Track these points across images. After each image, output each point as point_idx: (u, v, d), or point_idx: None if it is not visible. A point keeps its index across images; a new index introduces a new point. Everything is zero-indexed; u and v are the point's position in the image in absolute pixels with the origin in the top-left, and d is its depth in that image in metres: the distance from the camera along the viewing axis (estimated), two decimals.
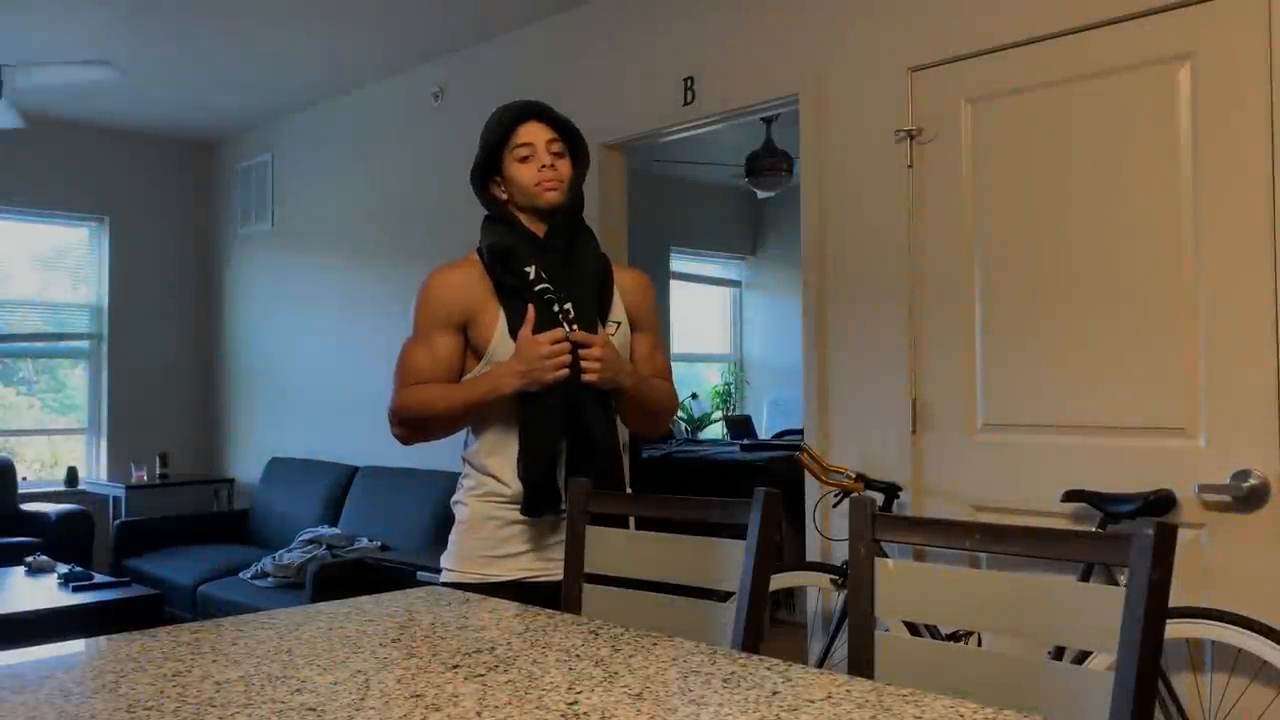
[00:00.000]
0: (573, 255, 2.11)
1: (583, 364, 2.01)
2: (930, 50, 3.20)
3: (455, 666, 1.35)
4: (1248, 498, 2.56)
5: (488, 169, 2.15)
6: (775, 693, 1.22)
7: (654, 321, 2.26)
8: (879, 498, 3.27)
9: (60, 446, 6.60)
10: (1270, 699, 2.54)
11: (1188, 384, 2.67)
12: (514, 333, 2.04)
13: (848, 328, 3.41)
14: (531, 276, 2.06)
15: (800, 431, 7.08)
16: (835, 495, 3.41)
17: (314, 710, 1.17)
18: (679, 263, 8.18)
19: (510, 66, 4.77)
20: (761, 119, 5.80)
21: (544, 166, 2.08)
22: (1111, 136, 2.82)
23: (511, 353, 2.03)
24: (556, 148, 2.12)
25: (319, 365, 5.97)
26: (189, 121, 6.38)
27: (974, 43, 3.10)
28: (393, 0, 4.41)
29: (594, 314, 2.09)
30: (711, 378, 8.57)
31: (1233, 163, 2.60)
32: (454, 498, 2.18)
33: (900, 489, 3.14)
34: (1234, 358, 2.59)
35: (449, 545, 2.16)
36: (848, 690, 1.22)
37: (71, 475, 6.29)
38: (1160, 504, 2.60)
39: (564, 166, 2.12)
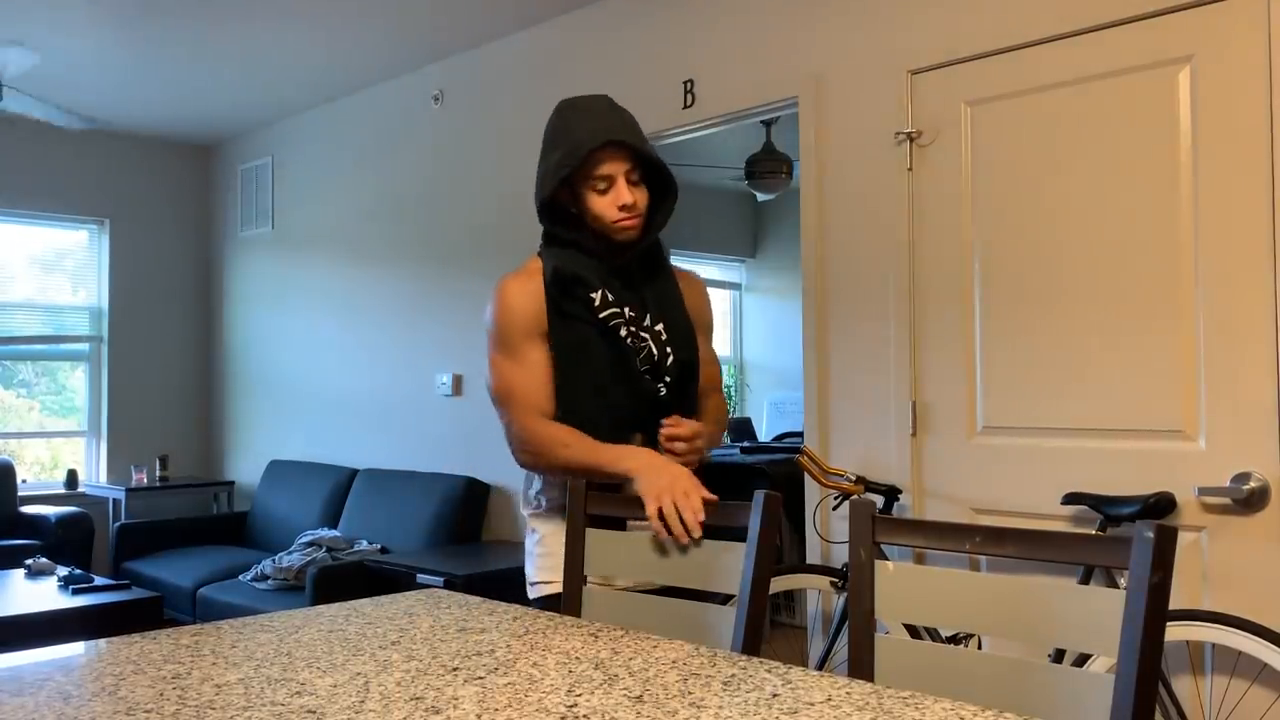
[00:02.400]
0: (655, 281, 2.01)
1: (675, 451, 1.91)
2: (930, 53, 3.20)
3: (455, 669, 1.35)
4: (1248, 500, 2.56)
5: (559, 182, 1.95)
6: (775, 695, 1.22)
7: (711, 323, 2.17)
8: (879, 500, 3.27)
9: (60, 449, 6.60)
10: (1271, 702, 2.54)
11: (1187, 386, 2.67)
12: (560, 353, 1.93)
13: (847, 330, 3.41)
14: (596, 303, 1.93)
15: (800, 434, 7.09)
16: (835, 498, 3.41)
17: (313, 713, 1.17)
18: (679, 265, 8.17)
19: (510, 69, 4.77)
20: (761, 121, 5.81)
21: (623, 205, 1.91)
22: (1111, 139, 2.82)
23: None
24: (634, 177, 1.93)
25: (319, 368, 5.97)
26: (189, 124, 6.39)
27: (974, 45, 3.10)
28: (393, 3, 4.41)
29: (693, 344, 2.01)
30: None
31: (1232, 165, 2.60)
32: (530, 510, 2.06)
33: (900, 491, 3.14)
34: (1234, 360, 2.59)
35: (534, 558, 2.03)
36: (848, 693, 1.22)
37: (71, 478, 6.29)
38: (1160, 506, 2.60)
39: (642, 198, 1.94)
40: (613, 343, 1.93)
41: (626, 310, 1.95)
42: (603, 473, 1.87)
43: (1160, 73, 2.73)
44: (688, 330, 2.01)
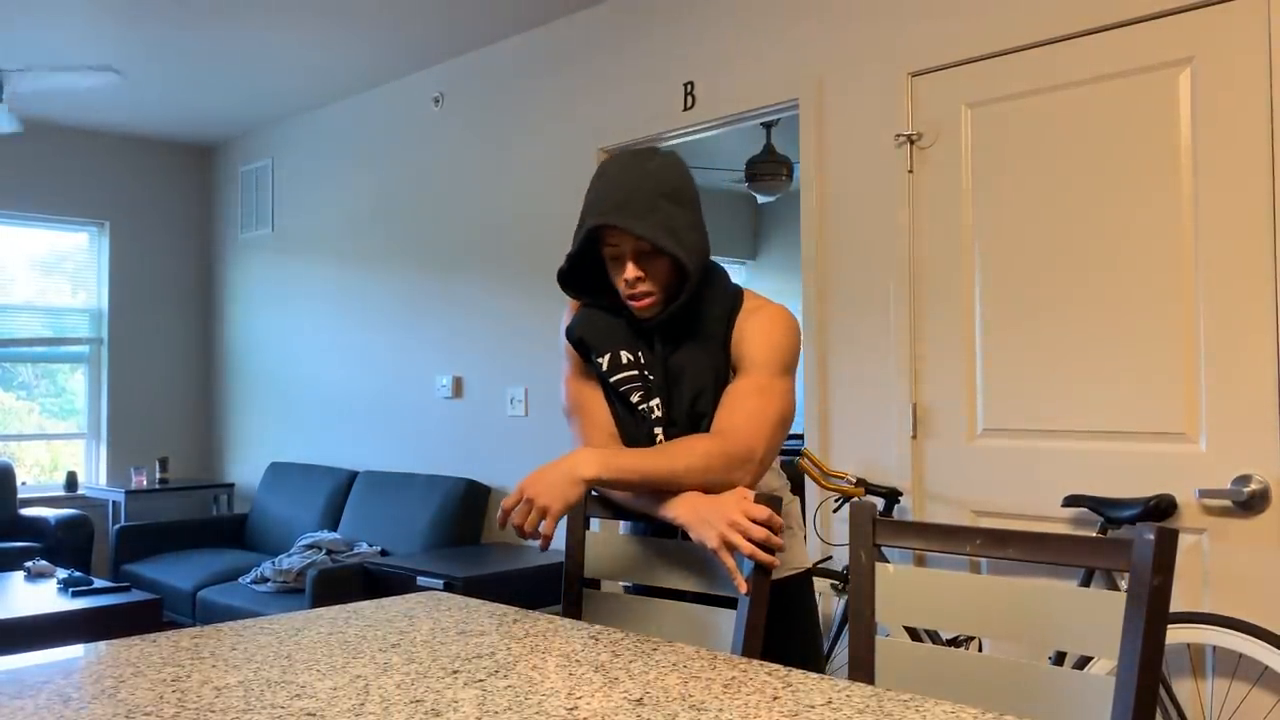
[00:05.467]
0: (691, 338, 1.79)
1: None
2: (930, 55, 3.20)
3: (455, 672, 1.34)
4: (1248, 502, 2.56)
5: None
6: (775, 698, 1.22)
7: (754, 358, 1.77)
8: (879, 503, 3.27)
9: (60, 451, 6.59)
10: (1272, 704, 2.54)
11: (1188, 388, 2.67)
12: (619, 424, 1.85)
13: (848, 333, 3.41)
14: (604, 367, 1.82)
15: (800, 436, 7.09)
16: (836, 500, 3.40)
17: (313, 715, 1.17)
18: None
19: (511, 71, 4.77)
20: (761, 124, 5.81)
21: (626, 281, 1.75)
22: (1112, 141, 2.82)
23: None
24: (647, 246, 1.73)
25: (319, 370, 5.97)
26: (189, 126, 6.39)
27: (974, 48, 3.10)
28: (394, 5, 4.41)
29: (707, 409, 1.78)
30: None
31: (1233, 167, 2.60)
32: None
33: (901, 494, 3.14)
34: (1234, 362, 2.59)
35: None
36: (848, 695, 1.22)
37: (71, 480, 6.28)
38: (1161, 509, 2.60)
39: (657, 269, 1.75)
40: (624, 403, 1.83)
41: (644, 372, 1.80)
42: (656, 516, 1.73)
43: (1160, 74, 2.73)
44: (710, 392, 1.79)
